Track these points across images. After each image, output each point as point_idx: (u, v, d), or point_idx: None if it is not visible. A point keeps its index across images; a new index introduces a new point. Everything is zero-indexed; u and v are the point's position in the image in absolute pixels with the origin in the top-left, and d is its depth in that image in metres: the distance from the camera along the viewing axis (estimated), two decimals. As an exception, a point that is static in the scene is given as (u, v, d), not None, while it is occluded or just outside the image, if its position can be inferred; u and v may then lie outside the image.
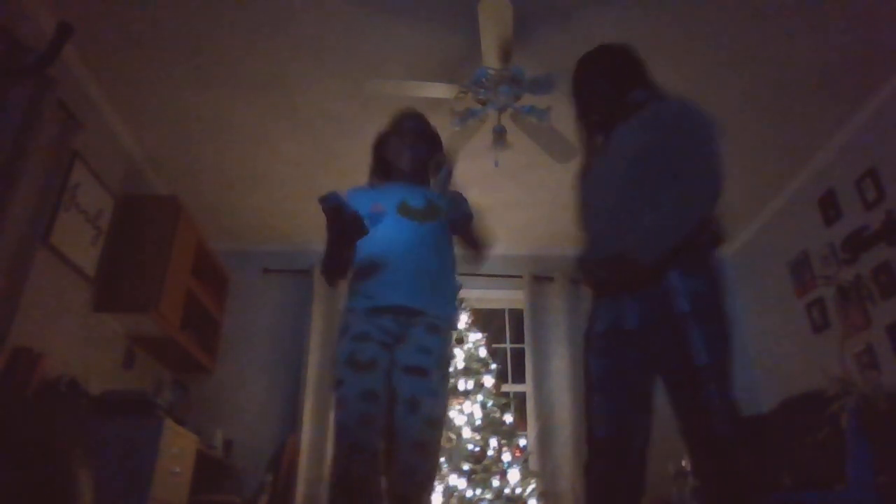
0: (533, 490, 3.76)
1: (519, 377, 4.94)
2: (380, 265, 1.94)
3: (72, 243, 3.20)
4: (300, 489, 4.13)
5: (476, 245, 2.16)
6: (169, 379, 4.39)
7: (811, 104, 3.57)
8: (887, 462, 2.52)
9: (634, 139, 1.77)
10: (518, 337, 5.10)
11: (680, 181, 1.66)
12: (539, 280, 5.05)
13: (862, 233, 3.58)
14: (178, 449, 3.12)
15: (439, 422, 1.89)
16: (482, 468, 3.73)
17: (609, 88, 1.91)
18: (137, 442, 2.86)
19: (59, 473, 0.97)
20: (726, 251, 5.11)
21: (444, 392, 1.92)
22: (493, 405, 3.99)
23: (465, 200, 2.18)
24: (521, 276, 5.05)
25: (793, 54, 3.21)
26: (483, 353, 4.23)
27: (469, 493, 3.64)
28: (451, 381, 4.01)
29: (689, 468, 3.54)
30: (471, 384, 4.04)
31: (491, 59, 2.97)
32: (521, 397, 4.81)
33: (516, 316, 5.20)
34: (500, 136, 3.28)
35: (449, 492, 3.64)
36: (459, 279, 2.13)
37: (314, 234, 2.18)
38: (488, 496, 3.65)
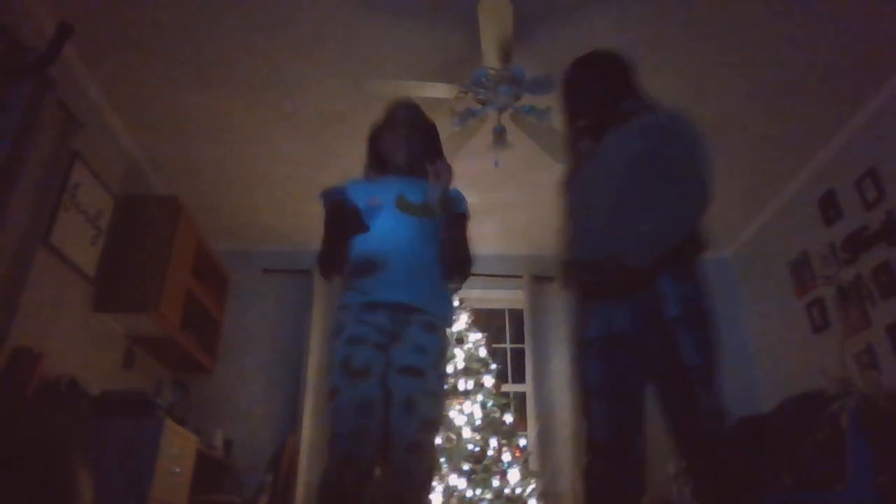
0: (533, 490, 3.77)
1: (519, 377, 4.94)
2: (379, 261, 1.90)
3: (72, 243, 3.20)
4: (300, 489, 4.13)
5: (451, 253, 1.95)
6: (169, 379, 4.39)
7: (811, 104, 3.56)
8: (887, 462, 2.52)
9: (632, 144, 1.80)
10: (518, 337, 5.10)
11: (671, 190, 1.71)
12: (539, 280, 5.05)
13: (862, 233, 3.58)
14: (177, 449, 3.12)
15: (436, 422, 1.86)
16: (482, 468, 3.74)
17: (602, 95, 1.94)
18: (137, 442, 2.86)
19: (59, 473, 0.97)
20: (726, 251, 5.11)
21: (440, 392, 1.90)
22: (493, 405, 3.99)
23: (463, 199, 2.07)
24: (521, 276, 5.06)
25: (793, 54, 3.21)
26: (483, 353, 4.24)
27: (469, 493, 3.64)
28: (451, 381, 4.01)
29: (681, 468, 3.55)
30: (471, 384, 4.04)
31: (491, 59, 2.97)
32: (521, 397, 4.81)
33: (516, 316, 5.20)
34: (500, 136, 3.28)
35: (449, 492, 3.64)
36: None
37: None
38: (488, 496, 3.65)
